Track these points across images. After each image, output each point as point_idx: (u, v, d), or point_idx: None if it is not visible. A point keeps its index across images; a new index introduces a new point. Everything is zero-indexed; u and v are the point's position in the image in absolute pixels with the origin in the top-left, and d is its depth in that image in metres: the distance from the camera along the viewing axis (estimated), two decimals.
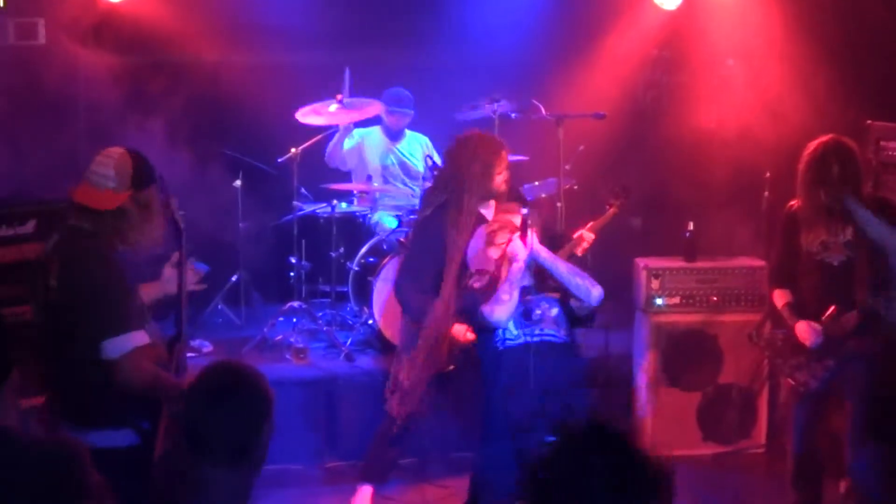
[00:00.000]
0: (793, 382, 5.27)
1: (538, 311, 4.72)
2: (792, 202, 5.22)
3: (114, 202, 3.89)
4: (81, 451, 2.48)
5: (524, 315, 4.72)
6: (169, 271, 4.27)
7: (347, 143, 7.37)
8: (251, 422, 2.67)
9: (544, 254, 4.67)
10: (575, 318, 4.78)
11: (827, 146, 5.01)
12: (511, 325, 4.65)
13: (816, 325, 5.06)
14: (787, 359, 5.26)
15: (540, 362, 4.48)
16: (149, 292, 4.23)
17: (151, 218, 4.00)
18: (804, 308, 5.17)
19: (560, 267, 4.70)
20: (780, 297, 5.29)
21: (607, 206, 5.63)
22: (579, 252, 5.43)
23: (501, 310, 4.54)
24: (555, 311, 4.76)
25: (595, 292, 4.70)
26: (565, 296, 4.80)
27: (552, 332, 4.62)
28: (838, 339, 5.03)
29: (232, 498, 2.66)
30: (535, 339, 4.57)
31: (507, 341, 4.66)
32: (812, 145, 5.06)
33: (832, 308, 5.00)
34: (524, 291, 4.69)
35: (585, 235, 5.43)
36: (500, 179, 5.21)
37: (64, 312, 3.85)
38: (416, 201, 6.74)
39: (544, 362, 4.50)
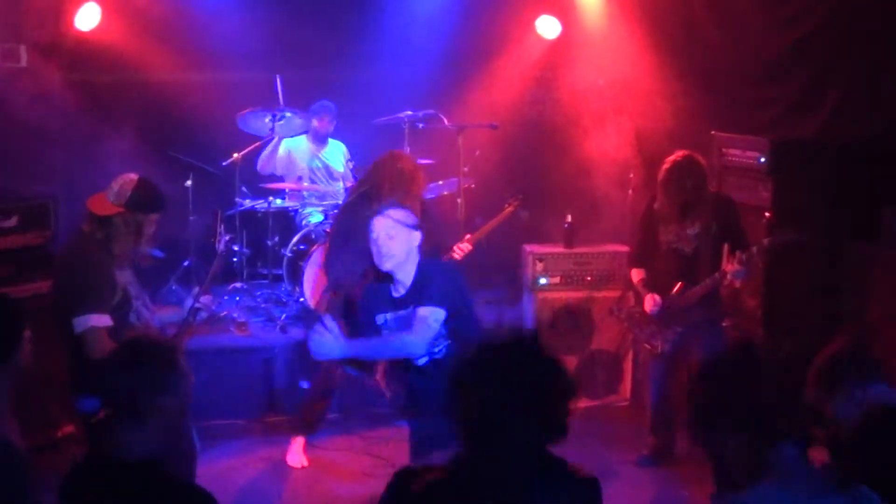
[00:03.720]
0: (648, 347, 5.82)
1: None
2: (653, 200, 5.66)
3: (106, 210, 4.23)
4: None
5: None
6: (189, 301, 4.51)
7: (280, 152, 7.76)
8: (145, 383, 2.76)
9: None
10: None
11: (681, 160, 5.44)
12: None
13: (658, 298, 5.59)
14: (643, 328, 5.78)
15: None
16: (168, 314, 4.56)
17: (133, 240, 4.24)
18: (659, 286, 5.63)
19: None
20: (636, 275, 5.84)
21: (506, 206, 6.27)
22: (457, 258, 6.01)
23: None
24: None
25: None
26: None
27: None
28: (686, 308, 5.53)
29: (138, 448, 2.77)
30: None
31: None
32: (670, 158, 5.47)
33: (679, 284, 5.53)
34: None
35: (463, 247, 6.02)
36: (415, 188, 5.59)
37: (56, 293, 4.32)
38: (339, 198, 7.20)
39: None
